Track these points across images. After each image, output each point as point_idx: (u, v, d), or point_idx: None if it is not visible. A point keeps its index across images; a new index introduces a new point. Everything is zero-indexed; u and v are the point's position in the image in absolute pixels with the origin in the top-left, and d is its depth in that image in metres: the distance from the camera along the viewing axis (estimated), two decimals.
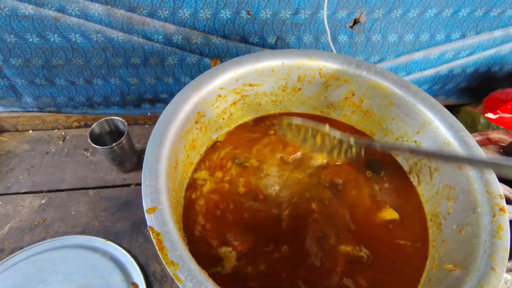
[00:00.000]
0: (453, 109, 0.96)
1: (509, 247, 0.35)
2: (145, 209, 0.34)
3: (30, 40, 0.64)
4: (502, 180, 0.66)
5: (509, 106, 0.72)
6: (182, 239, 0.34)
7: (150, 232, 0.32)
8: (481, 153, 0.42)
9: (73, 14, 0.61)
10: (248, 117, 0.59)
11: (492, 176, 0.40)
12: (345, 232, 0.46)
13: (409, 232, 0.47)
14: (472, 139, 0.44)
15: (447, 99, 0.96)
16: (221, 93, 0.50)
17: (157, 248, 0.32)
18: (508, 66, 0.88)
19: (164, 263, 0.31)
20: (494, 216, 0.37)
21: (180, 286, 0.30)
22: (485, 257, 0.34)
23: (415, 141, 0.51)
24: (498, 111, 0.74)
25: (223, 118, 0.54)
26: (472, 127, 0.88)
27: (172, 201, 0.39)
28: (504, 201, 0.38)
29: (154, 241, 0.32)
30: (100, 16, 0.62)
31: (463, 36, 0.78)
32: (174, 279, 0.30)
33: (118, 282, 0.62)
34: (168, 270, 0.30)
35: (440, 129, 0.46)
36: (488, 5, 0.71)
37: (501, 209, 0.37)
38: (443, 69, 0.85)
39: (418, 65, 0.82)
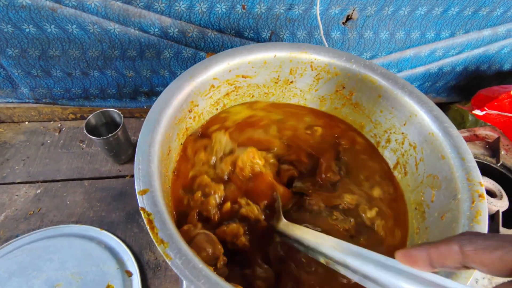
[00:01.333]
0: (443, 106, 0.98)
1: (486, 231, 0.36)
2: (137, 191, 0.35)
3: (27, 30, 0.65)
4: (486, 173, 0.68)
5: (495, 103, 0.74)
6: (173, 220, 0.35)
7: (142, 213, 0.34)
8: (463, 143, 0.44)
9: (70, 5, 0.62)
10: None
11: (473, 165, 0.42)
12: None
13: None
14: (455, 130, 0.45)
15: (437, 96, 0.98)
16: (215, 84, 0.51)
17: (147, 227, 0.33)
18: (496, 65, 0.90)
19: (154, 241, 0.32)
20: (473, 202, 0.38)
21: (169, 263, 0.31)
22: None
23: (402, 133, 0.52)
24: (485, 108, 0.76)
25: (217, 109, 0.56)
26: (460, 124, 0.90)
27: (165, 186, 0.41)
28: (483, 188, 0.39)
29: (145, 220, 0.33)
30: (97, 8, 0.63)
31: (452, 35, 0.80)
32: (164, 256, 0.31)
33: (112, 270, 0.63)
34: (158, 248, 0.32)
35: (425, 120, 0.48)
36: (477, 4, 0.73)
37: (480, 195, 0.39)
38: (433, 67, 0.87)
39: (409, 62, 0.84)
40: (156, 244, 0.32)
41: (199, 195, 0.45)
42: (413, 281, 0.26)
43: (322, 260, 0.35)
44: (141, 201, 0.34)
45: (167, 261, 0.31)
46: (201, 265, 0.31)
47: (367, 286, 0.29)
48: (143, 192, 0.35)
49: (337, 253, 0.32)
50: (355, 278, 0.31)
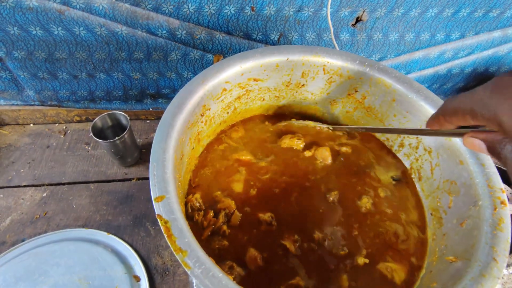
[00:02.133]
0: None
1: (510, 239, 0.36)
2: (153, 198, 0.34)
3: (34, 32, 0.64)
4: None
5: None
6: (189, 228, 0.35)
7: (159, 220, 0.33)
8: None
9: (78, 7, 0.62)
10: (252, 112, 0.60)
11: (493, 171, 0.41)
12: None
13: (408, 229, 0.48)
14: None
15: (445, 98, 0.97)
16: (227, 87, 0.50)
17: (165, 236, 0.32)
18: (505, 67, 0.89)
19: (172, 250, 0.31)
20: (495, 209, 0.38)
21: (188, 272, 0.30)
22: (487, 248, 0.35)
23: (417, 137, 0.52)
24: None
25: (228, 112, 0.55)
26: None
27: (178, 192, 0.40)
28: (505, 194, 0.39)
29: (162, 228, 0.32)
30: (105, 10, 0.62)
31: (462, 36, 0.79)
32: (183, 265, 0.30)
33: (120, 274, 0.62)
34: (177, 257, 0.31)
35: None
36: (488, 5, 0.73)
37: (502, 202, 0.38)
38: (442, 68, 0.86)
39: (418, 64, 0.84)
40: (175, 253, 0.31)
41: None
42: None
43: None
44: (158, 208, 0.34)
45: (186, 270, 0.30)
46: (220, 274, 0.31)
47: None
48: (160, 199, 0.34)
49: None
50: None
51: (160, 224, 0.33)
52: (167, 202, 0.35)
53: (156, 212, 0.34)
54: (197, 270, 0.30)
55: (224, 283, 0.30)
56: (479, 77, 0.91)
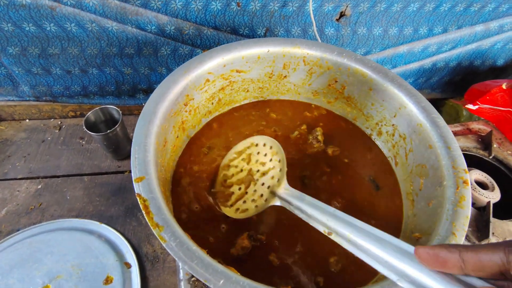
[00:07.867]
0: (438, 102, 1.00)
1: (469, 216, 0.38)
2: (133, 179, 0.37)
3: (27, 29, 0.67)
4: (479, 166, 0.69)
5: (487, 97, 0.76)
6: (168, 206, 0.37)
7: (138, 198, 0.35)
8: (450, 132, 0.45)
9: (69, 3, 0.64)
10: (237, 104, 0.62)
11: (458, 153, 0.43)
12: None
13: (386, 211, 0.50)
14: (442, 120, 0.47)
15: (432, 92, 0.99)
16: (209, 78, 0.52)
17: (143, 213, 0.34)
18: (489, 60, 0.91)
19: (150, 225, 0.33)
20: (457, 188, 0.40)
21: (164, 245, 0.32)
22: (447, 223, 0.37)
23: (393, 125, 0.54)
24: (478, 102, 0.77)
25: (212, 103, 0.57)
26: (455, 119, 0.92)
27: (160, 175, 0.42)
28: (467, 174, 0.41)
29: (141, 206, 0.35)
30: (95, 6, 0.65)
31: (445, 31, 0.81)
32: (159, 239, 0.33)
33: (112, 262, 0.65)
34: (153, 232, 0.33)
35: (414, 111, 0.49)
36: (468, 0, 0.74)
37: (464, 182, 0.40)
38: (426, 62, 0.88)
39: (403, 58, 0.86)
40: (151, 228, 0.33)
41: None
42: (408, 259, 0.26)
43: (322, 229, 0.35)
44: (137, 187, 0.36)
45: (162, 243, 0.32)
46: (194, 247, 0.33)
47: (361, 257, 0.30)
48: (139, 180, 0.36)
49: (336, 223, 0.34)
50: (349, 249, 0.32)
51: (139, 203, 0.35)
52: (147, 183, 0.37)
53: (136, 192, 0.36)
54: (172, 243, 0.33)
55: (197, 255, 0.32)
56: (464, 71, 0.93)
